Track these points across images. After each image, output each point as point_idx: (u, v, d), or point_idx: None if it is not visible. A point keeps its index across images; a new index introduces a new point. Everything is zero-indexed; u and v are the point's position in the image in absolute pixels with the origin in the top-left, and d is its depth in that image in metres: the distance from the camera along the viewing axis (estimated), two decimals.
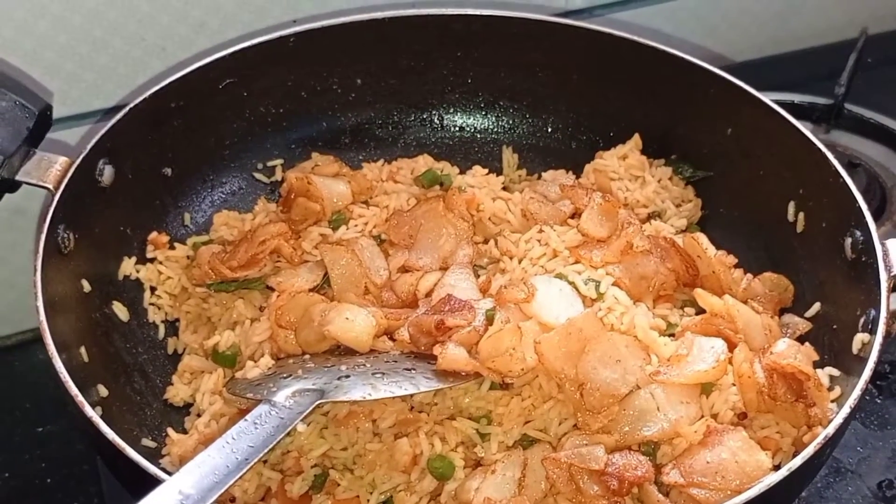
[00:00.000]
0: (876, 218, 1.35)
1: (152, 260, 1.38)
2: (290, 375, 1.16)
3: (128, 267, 1.36)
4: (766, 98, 1.40)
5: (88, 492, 1.41)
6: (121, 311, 1.32)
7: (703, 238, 1.32)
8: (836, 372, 1.19)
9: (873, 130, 1.78)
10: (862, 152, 1.74)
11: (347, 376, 1.15)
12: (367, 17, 1.48)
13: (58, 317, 1.15)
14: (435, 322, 1.17)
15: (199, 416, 1.26)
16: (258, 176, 1.51)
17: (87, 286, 1.27)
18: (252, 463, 1.01)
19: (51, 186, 1.25)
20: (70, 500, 1.41)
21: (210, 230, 1.44)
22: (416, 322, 1.20)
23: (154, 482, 0.97)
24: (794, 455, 1.09)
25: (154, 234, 1.39)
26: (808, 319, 1.30)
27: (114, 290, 1.33)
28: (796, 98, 1.76)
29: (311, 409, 1.10)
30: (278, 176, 1.51)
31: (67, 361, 1.10)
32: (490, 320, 1.19)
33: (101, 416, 1.05)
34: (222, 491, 0.96)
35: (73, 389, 1.06)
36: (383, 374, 1.15)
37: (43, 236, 1.19)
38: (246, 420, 1.07)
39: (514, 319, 1.19)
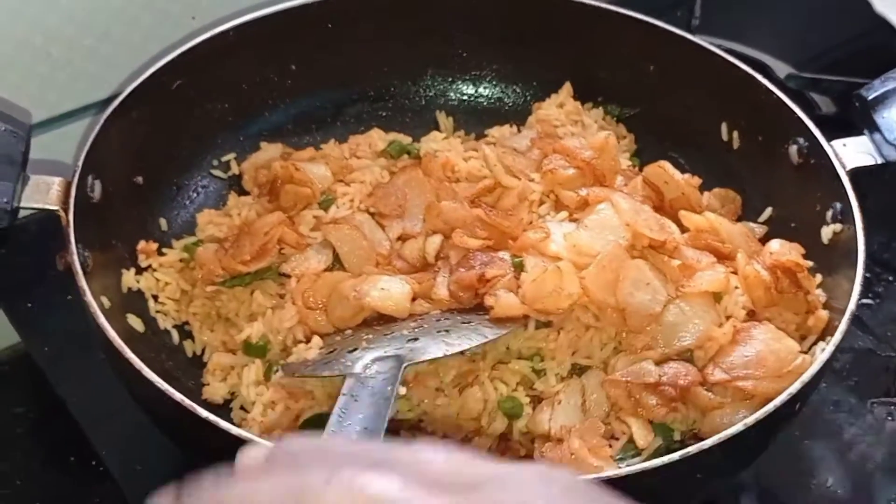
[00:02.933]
0: None
1: (147, 268, 1.38)
2: (356, 348, 1.21)
3: (129, 279, 1.35)
4: (684, 33, 1.54)
5: (77, 471, 1.38)
6: (136, 322, 1.32)
7: (667, 165, 1.45)
8: (809, 263, 1.35)
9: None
10: None
11: (416, 339, 1.21)
12: (294, 4, 1.52)
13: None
14: (476, 276, 1.25)
15: (242, 408, 1.28)
16: (215, 172, 1.53)
17: (107, 303, 1.26)
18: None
19: (58, 208, 1.23)
20: (62, 477, 1.38)
21: (195, 230, 1.45)
22: (457, 280, 1.26)
23: None
24: (802, 338, 1.27)
25: (142, 244, 1.39)
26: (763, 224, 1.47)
27: (125, 303, 1.32)
28: None
29: (402, 372, 1.15)
30: (235, 170, 1.53)
31: None
32: (519, 267, 1.28)
33: None
34: None
35: (165, 385, 1.08)
36: (447, 330, 1.22)
37: (75, 258, 1.18)
38: (343, 395, 1.11)
39: (538, 262, 1.28)
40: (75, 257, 1.18)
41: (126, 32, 1.53)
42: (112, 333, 1.12)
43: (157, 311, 1.36)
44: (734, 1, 2.05)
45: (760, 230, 1.46)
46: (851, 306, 1.20)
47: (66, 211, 1.23)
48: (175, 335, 1.36)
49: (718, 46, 1.90)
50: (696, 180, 1.46)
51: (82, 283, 1.16)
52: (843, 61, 1.88)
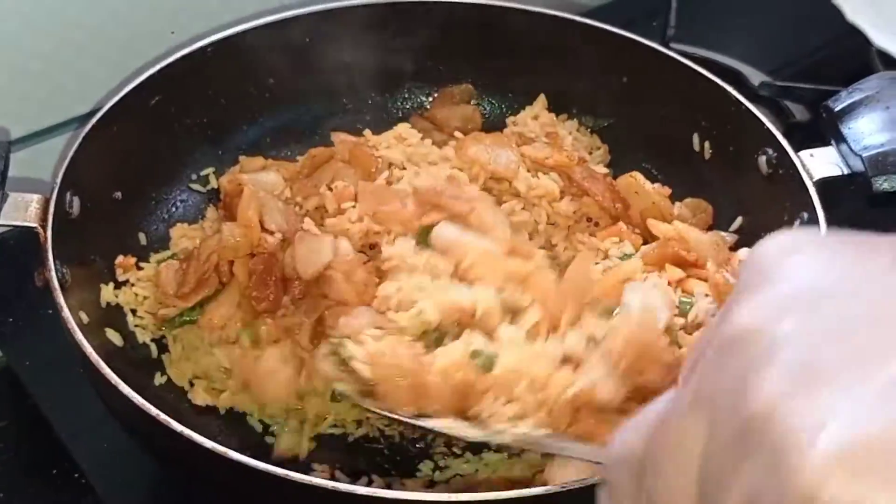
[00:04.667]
0: None
1: (125, 283, 1.40)
2: None
3: (108, 294, 1.37)
4: (655, 45, 1.57)
5: (60, 485, 1.37)
6: (114, 337, 1.33)
7: (638, 175, 1.48)
8: None
9: (699, 65, 1.95)
10: None
11: None
12: (271, 19, 1.54)
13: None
14: None
15: None
16: (194, 186, 1.55)
17: (85, 318, 1.28)
18: None
19: (36, 225, 1.25)
20: (45, 491, 1.37)
21: (170, 245, 1.47)
22: None
23: None
24: None
25: (120, 258, 1.40)
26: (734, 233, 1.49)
27: (104, 318, 1.34)
28: None
29: None
30: (214, 184, 1.55)
31: None
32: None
33: None
34: None
35: (140, 400, 1.09)
36: None
37: (53, 274, 1.20)
38: None
39: None
40: (53, 274, 1.20)
41: (104, 48, 1.55)
42: (89, 349, 1.14)
43: (136, 326, 1.38)
44: (709, 10, 2.07)
45: (731, 239, 1.48)
46: None
47: (44, 228, 1.24)
48: (154, 348, 1.37)
49: (693, 55, 1.94)
50: (667, 190, 1.49)
51: (60, 299, 1.18)
52: (816, 69, 1.91)
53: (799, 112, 1.80)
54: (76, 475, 1.34)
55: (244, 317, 1.32)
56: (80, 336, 1.15)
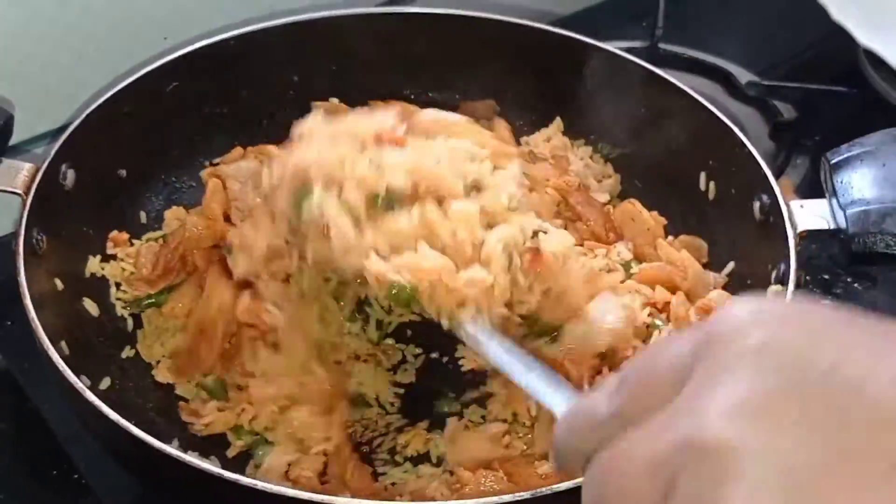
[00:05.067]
0: None
1: (114, 257, 1.46)
2: None
3: (93, 265, 1.43)
4: (675, 80, 1.54)
5: (59, 485, 1.38)
6: (91, 306, 1.39)
7: (636, 202, 1.49)
8: None
9: (688, 65, 1.92)
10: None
11: None
12: (297, 18, 1.59)
13: (40, 314, 1.21)
14: None
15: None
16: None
17: (59, 284, 1.34)
18: None
19: (21, 192, 1.31)
20: (44, 492, 1.38)
21: (163, 226, 1.52)
22: None
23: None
24: None
25: (115, 233, 1.46)
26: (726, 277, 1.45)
27: (83, 287, 1.40)
28: (613, 46, 1.65)
29: None
30: None
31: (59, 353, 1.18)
32: None
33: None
34: None
35: (92, 397, 1.14)
36: None
37: (21, 239, 1.26)
38: None
39: None
40: (21, 238, 1.26)
41: (97, 54, 1.60)
42: (32, 314, 1.18)
43: (117, 299, 1.43)
44: (697, 11, 2.05)
45: (720, 281, 1.44)
46: None
47: (27, 194, 1.31)
48: (130, 322, 1.42)
49: (682, 55, 1.93)
50: (662, 220, 1.47)
51: (19, 262, 1.23)
52: (804, 68, 1.92)
53: (787, 111, 1.81)
54: (75, 476, 1.35)
55: None
56: (27, 301, 1.20)
